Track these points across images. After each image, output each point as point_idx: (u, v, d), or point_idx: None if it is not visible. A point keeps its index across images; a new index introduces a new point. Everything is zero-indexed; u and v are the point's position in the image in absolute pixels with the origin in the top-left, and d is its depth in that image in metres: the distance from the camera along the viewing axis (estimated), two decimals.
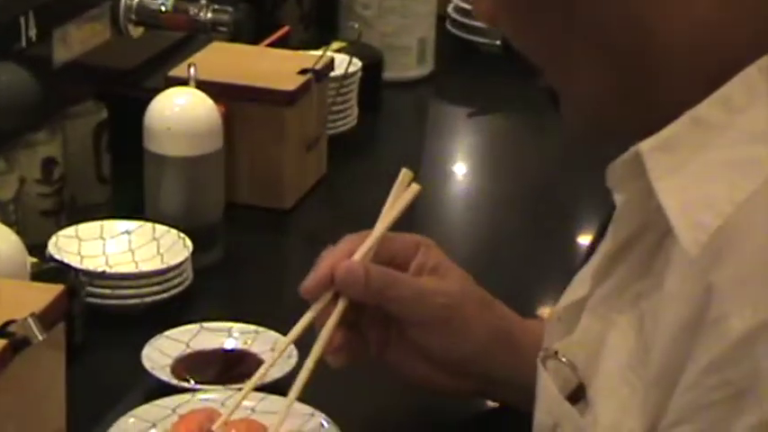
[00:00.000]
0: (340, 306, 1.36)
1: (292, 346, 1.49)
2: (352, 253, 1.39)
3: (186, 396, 1.43)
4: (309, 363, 1.34)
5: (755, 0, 0.92)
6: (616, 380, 0.98)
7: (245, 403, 1.37)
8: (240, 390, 1.38)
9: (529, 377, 1.26)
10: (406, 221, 1.60)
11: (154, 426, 1.39)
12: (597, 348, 1.01)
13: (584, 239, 1.86)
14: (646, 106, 0.96)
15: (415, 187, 1.46)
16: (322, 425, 1.37)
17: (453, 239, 1.94)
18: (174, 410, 1.40)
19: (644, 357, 0.94)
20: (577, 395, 1.02)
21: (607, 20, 0.95)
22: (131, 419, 1.38)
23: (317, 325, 1.36)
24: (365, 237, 1.41)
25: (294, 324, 1.43)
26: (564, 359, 1.05)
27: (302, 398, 1.34)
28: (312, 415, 1.38)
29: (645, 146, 0.91)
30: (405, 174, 1.46)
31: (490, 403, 1.49)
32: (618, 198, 1.00)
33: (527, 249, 1.84)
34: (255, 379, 1.35)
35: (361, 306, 1.40)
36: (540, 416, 1.08)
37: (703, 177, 0.90)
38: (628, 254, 1.02)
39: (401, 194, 1.45)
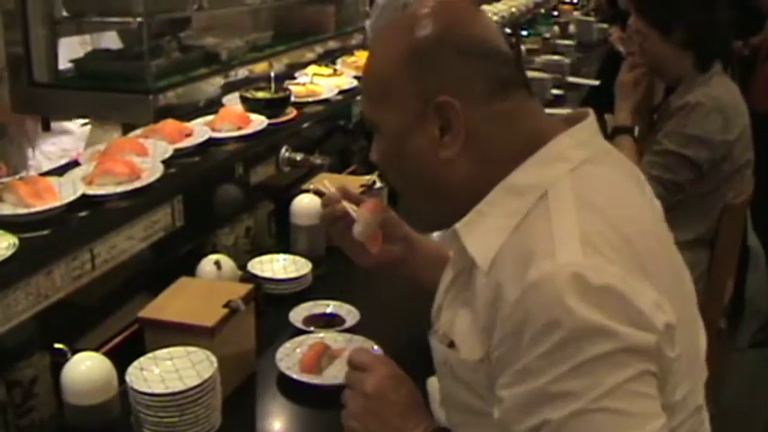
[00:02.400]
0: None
1: (356, 313, 1.59)
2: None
3: (310, 335, 1.52)
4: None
5: (489, 163, 1.00)
6: (467, 334, 1.01)
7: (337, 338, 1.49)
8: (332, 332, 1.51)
9: (417, 259, 1.40)
10: None
11: (296, 350, 1.46)
12: (452, 323, 1.05)
13: None
14: (453, 214, 1.02)
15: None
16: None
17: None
18: (303, 342, 1.48)
19: (476, 322, 0.98)
20: (451, 345, 1.05)
21: (420, 180, 1.04)
22: (287, 345, 1.47)
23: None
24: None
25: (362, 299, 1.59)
26: (440, 331, 1.08)
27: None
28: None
29: (458, 225, 1.01)
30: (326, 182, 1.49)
31: None
32: (450, 251, 1.09)
33: None
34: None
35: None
36: (436, 356, 1.10)
37: (483, 237, 0.98)
38: (458, 280, 1.07)
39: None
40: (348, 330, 1.55)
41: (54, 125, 2.37)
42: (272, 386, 1.41)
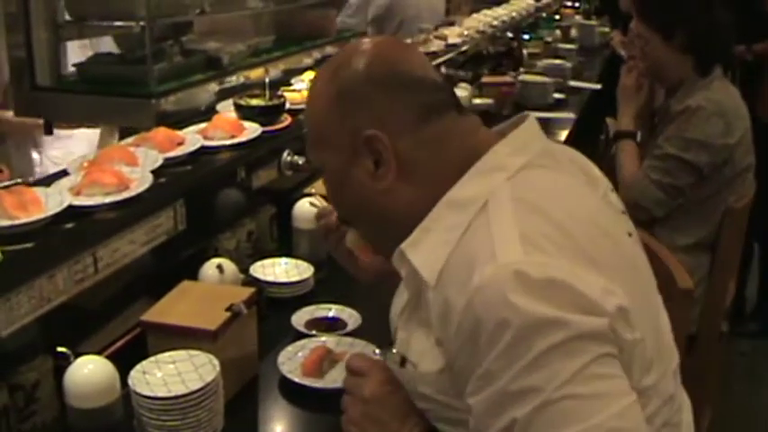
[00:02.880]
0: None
1: (358, 317, 1.59)
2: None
3: (312, 338, 1.53)
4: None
5: (428, 185, 1.02)
6: (425, 350, 1.01)
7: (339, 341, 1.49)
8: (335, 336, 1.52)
9: None
10: None
11: (298, 353, 1.47)
12: (408, 343, 1.06)
13: None
14: (396, 238, 1.03)
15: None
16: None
17: None
18: (305, 346, 1.49)
19: (432, 336, 0.99)
20: (402, 364, 1.06)
21: (367, 212, 1.08)
22: (289, 348, 1.48)
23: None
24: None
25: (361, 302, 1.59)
26: (393, 350, 1.10)
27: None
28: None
29: (403, 245, 1.02)
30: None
31: None
32: (401, 272, 1.06)
33: None
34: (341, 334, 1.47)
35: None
36: (397, 375, 1.09)
37: (429, 253, 0.99)
38: (412, 302, 1.07)
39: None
40: (350, 334, 1.55)
41: (59, 130, 2.37)
42: (273, 390, 1.42)
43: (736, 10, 2.40)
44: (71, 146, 2.50)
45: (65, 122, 2.33)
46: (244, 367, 1.43)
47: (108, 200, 1.48)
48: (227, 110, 2.08)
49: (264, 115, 2.01)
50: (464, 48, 3.55)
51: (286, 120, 2.08)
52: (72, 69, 2.04)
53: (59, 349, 1.28)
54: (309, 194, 1.90)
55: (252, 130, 1.94)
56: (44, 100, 1.98)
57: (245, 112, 2.01)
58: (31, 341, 1.28)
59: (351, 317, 1.61)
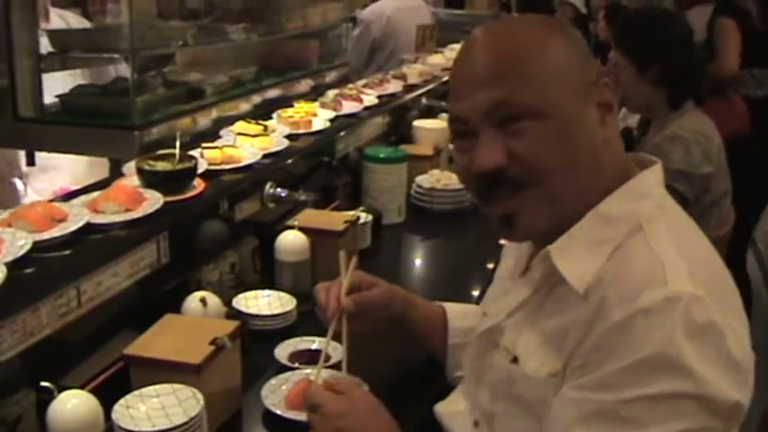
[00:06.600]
0: (345, 320, 1.38)
1: (341, 349, 1.48)
2: (337, 292, 1.39)
3: (295, 371, 1.53)
4: (345, 348, 1.38)
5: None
6: (534, 351, 1.07)
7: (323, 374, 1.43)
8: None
9: (417, 325, 1.50)
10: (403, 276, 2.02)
11: (281, 386, 1.46)
12: (516, 341, 1.11)
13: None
14: (575, 210, 1.05)
15: (354, 258, 1.47)
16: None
17: (415, 283, 2.06)
18: (288, 378, 1.49)
19: (550, 339, 1.04)
20: (514, 361, 1.10)
21: (580, 159, 1.05)
22: (272, 381, 1.47)
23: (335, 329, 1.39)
24: (339, 283, 1.41)
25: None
26: (501, 346, 1.14)
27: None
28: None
29: (550, 248, 1.06)
30: (342, 253, 1.46)
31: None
32: (534, 272, 1.10)
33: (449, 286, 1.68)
34: (321, 362, 1.38)
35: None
36: (496, 374, 1.14)
37: (578, 261, 1.03)
38: (531, 300, 1.12)
39: (348, 263, 1.44)
40: (333, 366, 1.51)
41: (42, 161, 2.36)
42: (257, 423, 1.41)
43: None
44: (56, 178, 2.49)
45: (47, 152, 2.32)
46: (227, 401, 1.43)
47: None
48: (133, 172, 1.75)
49: (171, 181, 1.69)
50: (424, 89, 3.32)
51: (198, 186, 1.75)
52: (55, 100, 2.06)
53: (42, 383, 1.27)
54: (292, 227, 1.92)
55: (152, 201, 1.60)
56: (26, 130, 2.00)
57: (148, 179, 1.68)
58: (13, 375, 1.27)
59: (334, 349, 1.58)
